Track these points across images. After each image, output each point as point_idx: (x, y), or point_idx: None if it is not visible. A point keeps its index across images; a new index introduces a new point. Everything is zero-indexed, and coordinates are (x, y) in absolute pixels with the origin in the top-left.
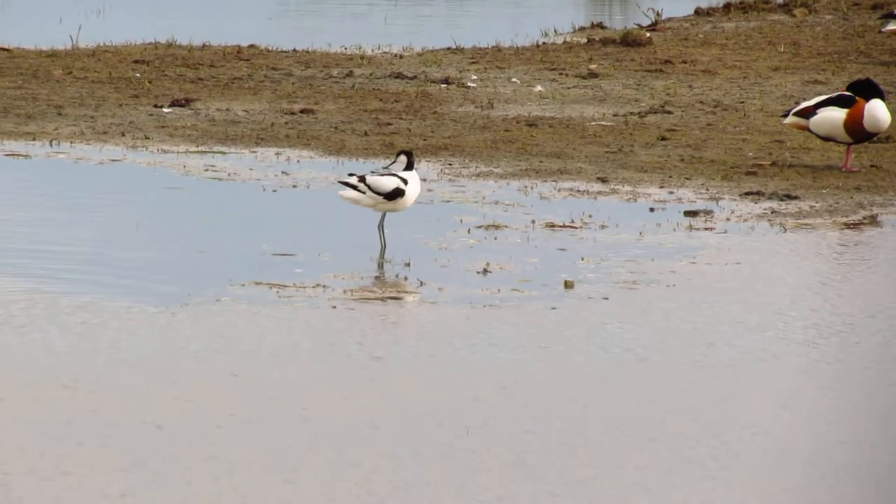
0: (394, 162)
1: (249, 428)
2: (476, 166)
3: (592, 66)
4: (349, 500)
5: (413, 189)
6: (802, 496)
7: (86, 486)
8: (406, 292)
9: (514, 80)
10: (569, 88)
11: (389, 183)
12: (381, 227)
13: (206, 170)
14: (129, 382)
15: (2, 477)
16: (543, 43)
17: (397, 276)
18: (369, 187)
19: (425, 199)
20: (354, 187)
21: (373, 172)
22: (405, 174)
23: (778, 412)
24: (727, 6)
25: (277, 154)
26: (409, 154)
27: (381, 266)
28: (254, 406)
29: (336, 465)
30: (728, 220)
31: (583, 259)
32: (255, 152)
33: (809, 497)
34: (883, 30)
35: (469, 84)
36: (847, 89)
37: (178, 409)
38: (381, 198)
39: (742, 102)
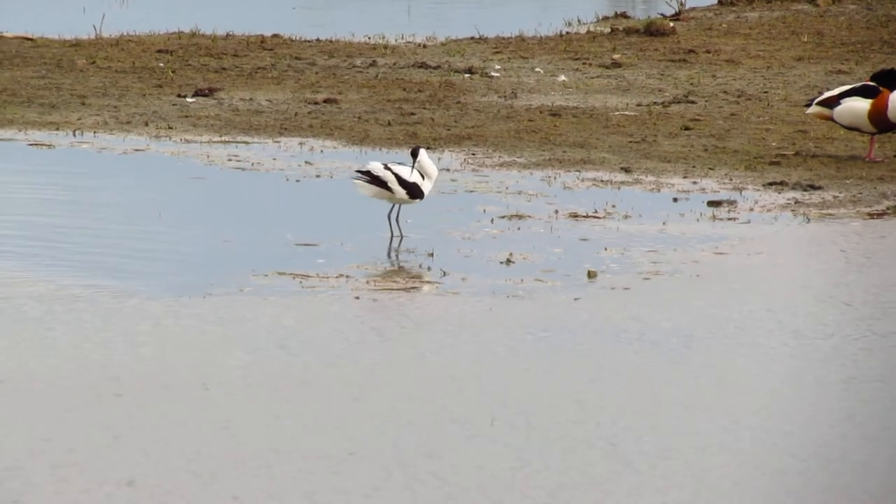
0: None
1: (270, 420)
2: (499, 156)
3: (616, 56)
4: (361, 494)
5: (427, 184)
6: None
7: (109, 479)
8: (429, 282)
9: (537, 69)
10: (592, 78)
11: (413, 177)
12: (395, 217)
13: (230, 159)
14: (149, 373)
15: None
16: (567, 33)
17: (420, 266)
18: (399, 182)
19: (448, 189)
20: (384, 183)
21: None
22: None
23: (798, 405)
24: None
25: (301, 144)
26: (414, 153)
27: (400, 256)
28: (276, 398)
29: (354, 455)
30: (751, 210)
31: (606, 249)
32: (278, 142)
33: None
34: None
35: (492, 74)
36: (871, 79)
37: (197, 401)
38: (406, 194)
39: (766, 92)
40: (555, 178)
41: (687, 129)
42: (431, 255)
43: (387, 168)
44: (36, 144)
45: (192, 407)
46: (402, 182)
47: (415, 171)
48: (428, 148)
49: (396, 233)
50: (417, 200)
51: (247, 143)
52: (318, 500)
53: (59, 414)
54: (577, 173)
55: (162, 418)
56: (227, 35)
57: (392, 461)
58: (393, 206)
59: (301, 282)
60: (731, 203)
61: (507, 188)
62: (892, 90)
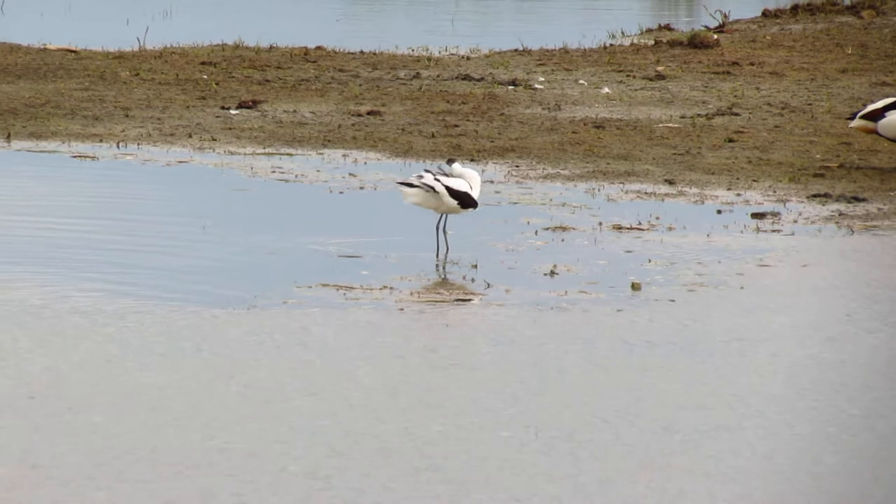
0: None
1: (321, 434)
2: (543, 168)
3: (660, 68)
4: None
5: (476, 192)
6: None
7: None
8: (473, 294)
9: (581, 81)
10: (636, 90)
11: (463, 186)
12: (443, 229)
13: (273, 171)
14: (195, 387)
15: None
16: (611, 45)
17: (464, 277)
18: (448, 189)
19: (492, 201)
20: (432, 188)
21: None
22: (467, 176)
23: (845, 418)
24: (794, 8)
25: (344, 156)
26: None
27: (444, 268)
28: (323, 410)
29: (401, 468)
30: (795, 222)
31: (650, 261)
32: (321, 154)
33: None
34: None
35: (536, 86)
36: None
37: (243, 413)
38: (455, 202)
39: (809, 104)
40: (599, 189)
41: (731, 141)
42: (475, 266)
43: (437, 179)
44: (80, 156)
45: (230, 416)
46: (451, 191)
47: (462, 181)
48: (472, 160)
49: (444, 245)
50: (470, 209)
51: (290, 154)
52: None
53: (93, 420)
54: (621, 185)
55: (201, 427)
56: (271, 47)
57: (438, 474)
58: (441, 216)
59: (345, 293)
60: (775, 215)
61: (550, 200)
62: None
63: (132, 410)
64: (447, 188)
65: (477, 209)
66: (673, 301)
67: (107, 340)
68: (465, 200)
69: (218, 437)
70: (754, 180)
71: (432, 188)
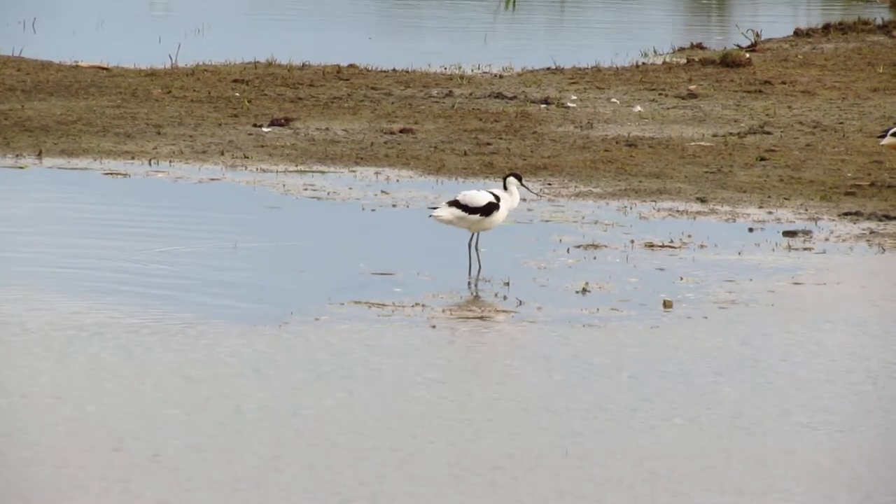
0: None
1: (359, 451)
2: (575, 186)
3: (692, 87)
4: None
5: (504, 208)
6: None
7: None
8: (505, 311)
9: (613, 100)
10: (668, 109)
11: (482, 198)
12: (475, 247)
13: (306, 189)
14: (233, 404)
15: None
16: (643, 63)
17: (496, 295)
18: (462, 206)
19: (524, 219)
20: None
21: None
22: (497, 191)
23: (875, 433)
24: (826, 27)
25: (377, 173)
26: (515, 176)
27: (476, 285)
28: (361, 426)
29: (423, 483)
30: (827, 240)
31: (682, 279)
32: (354, 172)
33: None
34: None
35: (569, 104)
36: None
37: (278, 431)
38: (477, 215)
39: (841, 123)
40: (630, 207)
41: (762, 159)
42: (507, 284)
43: (454, 203)
44: (111, 174)
45: (257, 434)
46: (468, 209)
47: (484, 192)
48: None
49: (476, 263)
50: (495, 222)
51: (323, 172)
52: None
53: (125, 437)
54: (653, 203)
55: (236, 443)
56: (303, 65)
57: (470, 486)
58: (473, 234)
59: (377, 311)
60: (807, 233)
61: (582, 218)
62: None
63: (170, 428)
64: (464, 207)
65: (506, 228)
66: (705, 318)
67: (134, 361)
68: (486, 209)
69: (262, 452)
70: (786, 198)
71: (448, 219)
